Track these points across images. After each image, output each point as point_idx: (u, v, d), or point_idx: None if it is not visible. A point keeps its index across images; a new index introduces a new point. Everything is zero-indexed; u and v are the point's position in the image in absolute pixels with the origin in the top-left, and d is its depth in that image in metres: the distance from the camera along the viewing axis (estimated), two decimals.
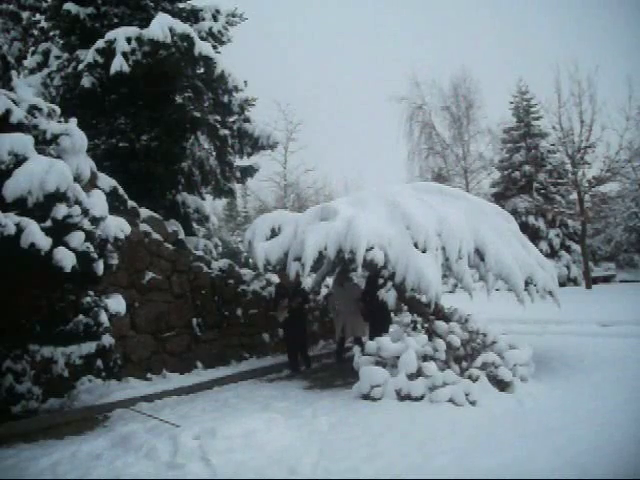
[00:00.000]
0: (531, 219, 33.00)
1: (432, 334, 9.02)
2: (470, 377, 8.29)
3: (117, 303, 8.79)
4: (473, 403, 7.72)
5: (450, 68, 52.71)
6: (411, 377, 8.09)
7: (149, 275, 10.74)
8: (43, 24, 17.26)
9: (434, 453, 5.89)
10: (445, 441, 6.27)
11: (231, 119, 15.07)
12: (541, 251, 13.83)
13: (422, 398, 7.86)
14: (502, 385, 8.39)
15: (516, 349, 9.15)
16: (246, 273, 13.06)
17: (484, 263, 9.75)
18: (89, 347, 8.41)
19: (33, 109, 8.13)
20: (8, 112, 7.56)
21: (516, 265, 9.69)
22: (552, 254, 32.00)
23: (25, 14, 17.97)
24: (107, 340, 8.76)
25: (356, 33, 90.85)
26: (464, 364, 8.71)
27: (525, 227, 30.17)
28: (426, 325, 9.41)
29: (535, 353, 9.47)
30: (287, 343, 12.00)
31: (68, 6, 13.38)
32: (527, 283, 9.89)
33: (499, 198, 34.18)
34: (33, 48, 16.70)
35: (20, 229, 6.93)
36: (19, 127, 7.65)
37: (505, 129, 37.09)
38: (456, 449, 5.98)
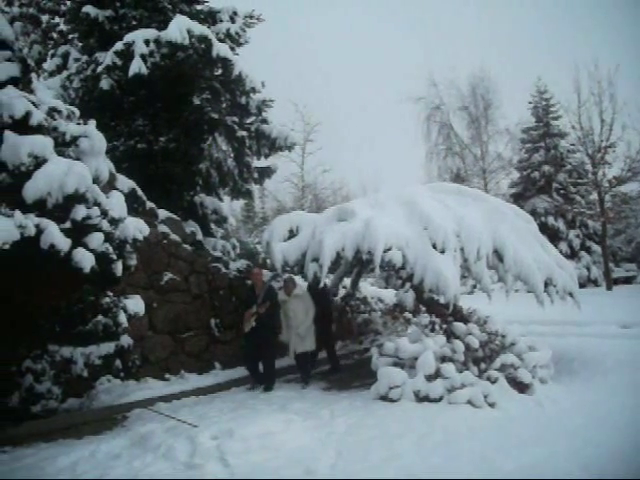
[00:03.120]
0: (550, 220, 32.71)
1: (450, 335, 8.97)
2: (489, 379, 8.24)
3: (136, 304, 8.85)
4: (492, 405, 7.67)
5: (468, 68, 52.35)
6: (429, 378, 8.05)
7: (167, 276, 10.78)
8: (62, 27, 17.47)
9: (452, 455, 5.85)
10: (464, 443, 6.23)
11: (249, 120, 15.09)
12: (561, 252, 13.68)
13: (440, 399, 7.82)
14: (521, 387, 8.33)
15: (535, 351, 9.08)
16: (264, 274, 13.06)
17: (503, 264, 9.68)
18: (108, 347, 8.47)
19: (53, 111, 8.19)
20: (28, 114, 7.62)
21: (535, 266, 9.61)
22: (572, 255, 31.71)
23: (44, 17, 18.17)
24: (126, 340, 8.82)
25: (373, 34, 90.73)
26: (483, 365, 8.65)
27: (544, 228, 29.88)
28: (444, 326, 9.35)
29: (554, 355, 9.40)
30: (245, 352, 10.37)
31: (87, 9, 13.48)
32: (547, 284, 9.81)
33: (518, 198, 33.94)
34: (52, 51, 16.88)
35: (40, 230, 6.99)
36: (39, 129, 7.71)
37: (524, 129, 36.80)
38: (475, 451, 5.94)
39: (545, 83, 35.96)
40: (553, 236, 30.61)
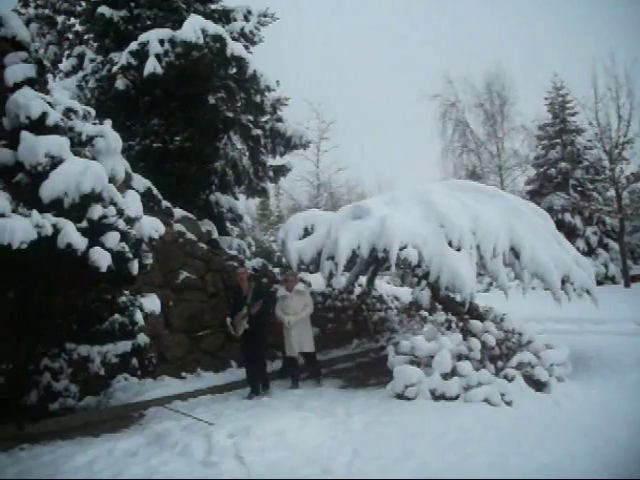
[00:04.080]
0: (567, 217, 32.43)
1: (467, 333, 8.92)
2: (506, 377, 8.18)
3: (152, 302, 8.90)
4: (509, 403, 7.62)
5: (483, 65, 52.03)
6: (445, 377, 8.01)
7: (183, 274, 10.83)
8: (78, 28, 17.63)
9: (469, 454, 5.81)
10: (480, 442, 6.19)
11: (264, 119, 15.11)
12: (578, 249, 13.56)
13: (457, 398, 7.78)
14: (538, 385, 8.27)
15: (553, 349, 9.00)
16: (279, 272, 13.09)
17: (519, 261, 9.62)
18: (125, 346, 8.52)
19: (69, 111, 8.25)
20: (44, 115, 7.69)
21: (552, 263, 9.54)
22: (589, 252, 31.43)
23: (60, 18, 18.35)
24: (142, 339, 8.86)
25: (388, 31, 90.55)
26: (499, 364, 8.60)
27: (561, 225, 29.67)
28: (460, 324, 9.31)
29: (572, 353, 9.32)
30: (244, 356, 9.91)
31: (102, 9, 13.58)
32: (564, 281, 9.73)
33: (534, 195, 33.68)
34: (68, 52, 17.05)
35: (57, 230, 7.04)
36: (55, 129, 7.77)
37: (540, 125, 36.52)
38: (491, 450, 5.90)
39: (561, 79, 35.69)
40: (570, 233, 30.35)
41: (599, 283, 18.52)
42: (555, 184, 34.07)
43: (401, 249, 9.00)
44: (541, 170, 35.46)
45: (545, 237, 10.07)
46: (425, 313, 14.35)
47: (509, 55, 64.47)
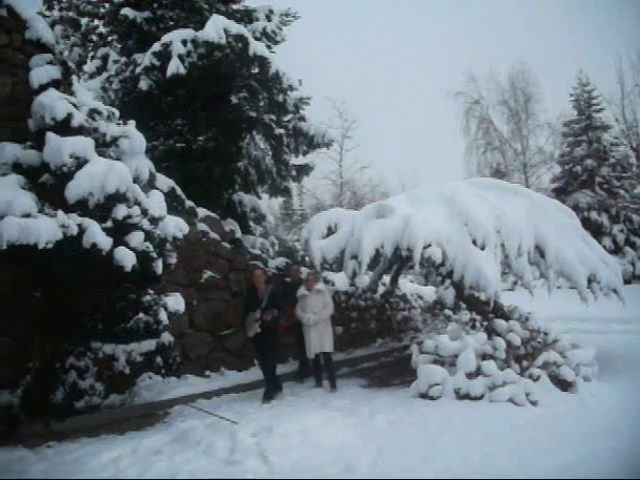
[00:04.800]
0: (593, 215, 31.97)
1: (491, 332, 8.85)
2: (531, 376, 8.11)
3: (176, 301, 8.94)
4: (534, 403, 7.54)
5: (507, 62, 51.59)
6: (470, 376, 7.95)
7: (207, 274, 10.87)
8: (101, 29, 17.82)
9: (494, 454, 5.76)
10: (505, 442, 6.13)
11: (286, 118, 15.13)
12: (604, 247, 13.41)
13: (481, 397, 7.72)
14: (564, 385, 8.18)
15: (579, 348, 8.91)
16: (303, 271, 13.08)
17: (545, 260, 9.52)
18: (149, 344, 8.58)
19: (93, 112, 8.34)
20: (69, 116, 7.77)
21: (578, 262, 9.43)
22: (616, 250, 30.96)
23: (84, 20, 18.56)
24: (166, 338, 8.91)
25: (411, 28, 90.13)
26: (525, 363, 8.52)
27: (587, 223, 29.23)
28: (485, 323, 9.24)
29: (598, 352, 9.20)
30: (257, 361, 9.80)
31: (125, 11, 13.69)
32: (590, 280, 9.62)
33: (560, 193, 33.27)
34: (92, 53, 17.22)
35: (82, 229, 7.12)
36: (80, 130, 7.86)
37: (565, 122, 36.05)
38: (516, 450, 5.84)
39: (587, 75, 35.22)
40: (596, 231, 29.91)
41: (626, 282, 18.27)
42: (581, 182, 33.62)
43: (425, 248, 8.96)
44: (566, 167, 35.00)
45: (571, 235, 9.96)
46: (449, 312, 14.28)
47: (533, 51, 63.85)
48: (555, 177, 36.45)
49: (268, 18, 14.93)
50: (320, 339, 9.63)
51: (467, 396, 7.78)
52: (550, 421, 6.89)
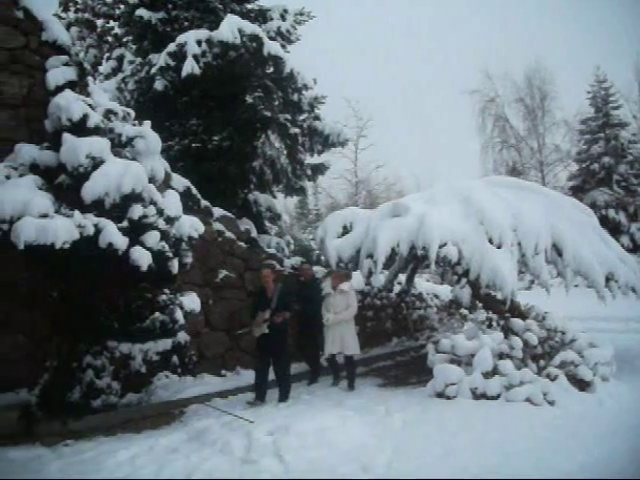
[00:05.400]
0: (611, 213, 31.72)
1: (508, 332, 8.80)
2: (548, 376, 8.06)
3: (192, 301, 8.96)
4: (551, 403, 7.49)
5: (522, 60, 51.24)
6: (486, 375, 7.91)
7: (222, 273, 10.89)
8: (117, 31, 17.96)
9: (511, 453, 5.73)
10: (522, 441, 6.09)
11: (301, 117, 15.12)
12: (622, 246, 13.26)
13: (498, 397, 7.68)
14: (582, 385, 8.12)
15: (597, 347, 8.84)
16: (318, 270, 13.07)
17: (562, 259, 9.46)
18: (165, 344, 8.61)
19: (109, 113, 8.38)
20: (85, 117, 7.82)
21: (596, 260, 9.36)
22: (634, 249, 30.67)
23: (99, 22, 18.75)
24: (182, 337, 8.94)
25: (426, 26, 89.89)
26: (542, 363, 8.47)
27: (605, 221, 29.02)
28: (502, 322, 9.19)
29: (616, 352, 9.13)
30: (257, 360, 9.31)
31: (140, 12, 13.77)
32: (608, 279, 9.54)
33: (577, 191, 33.05)
34: (108, 54, 17.35)
35: (98, 229, 7.16)
36: (96, 131, 7.90)
37: (582, 120, 35.83)
38: (534, 450, 5.81)
39: (604, 72, 34.93)
40: (614, 230, 29.66)
41: None
42: (598, 179, 33.38)
43: (441, 247, 8.93)
44: (584, 165, 34.78)
45: (588, 234, 9.89)
46: (465, 311, 14.24)
47: (550, 49, 63.34)
48: (572, 175, 36.25)
49: (282, 17, 14.94)
50: (341, 340, 9.50)
51: (484, 396, 7.74)
52: (568, 421, 6.84)
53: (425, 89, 77.14)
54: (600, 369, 8.50)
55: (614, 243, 10.49)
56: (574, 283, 9.78)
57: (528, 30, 69.09)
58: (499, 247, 9.04)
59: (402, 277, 13.70)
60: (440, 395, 8.02)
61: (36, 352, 8.19)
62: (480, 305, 10.59)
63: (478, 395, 7.78)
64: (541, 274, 9.29)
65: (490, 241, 9.10)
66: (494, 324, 9.32)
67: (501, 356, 8.22)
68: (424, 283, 17.41)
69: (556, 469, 5.28)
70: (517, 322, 8.90)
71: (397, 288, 14.29)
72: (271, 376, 9.04)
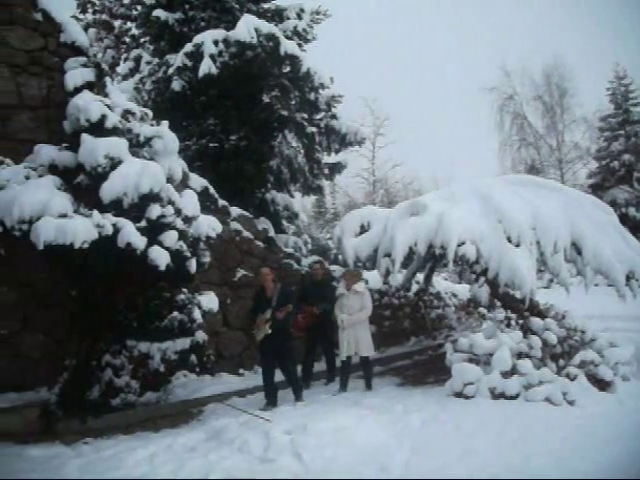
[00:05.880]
0: (631, 211, 31.33)
1: (527, 331, 8.73)
2: (568, 376, 7.98)
3: (210, 300, 8.98)
4: (571, 403, 7.41)
5: (541, 57, 50.79)
6: (505, 375, 7.85)
7: (240, 272, 10.93)
8: (134, 31, 18.08)
9: (530, 454, 5.67)
10: (542, 441, 6.03)
11: (318, 116, 15.11)
12: None
13: (517, 397, 7.61)
14: (602, 384, 8.03)
15: (617, 347, 8.75)
16: (336, 270, 13.06)
17: (581, 257, 9.36)
18: (183, 343, 8.63)
19: (127, 113, 8.43)
20: (103, 117, 7.87)
21: (616, 259, 9.25)
22: None
23: (117, 23, 18.90)
24: (200, 336, 8.97)
25: (444, 24, 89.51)
26: (561, 362, 8.39)
27: (625, 219, 28.64)
28: (520, 322, 9.12)
29: (637, 351, 9.03)
30: (261, 364, 9.12)
31: (157, 13, 13.85)
32: (628, 278, 9.41)
33: (597, 189, 32.71)
34: (125, 55, 17.47)
35: (117, 229, 7.20)
36: (114, 131, 7.95)
37: (602, 117, 35.46)
38: (554, 450, 5.74)
39: (624, 68, 34.55)
40: (635, 228, 29.23)
41: None
42: (618, 177, 33.02)
43: (459, 245, 8.87)
44: (603, 163, 34.42)
45: (608, 232, 9.77)
46: (484, 310, 14.13)
47: (568, 46, 62.83)
48: (591, 173, 35.91)
49: (299, 17, 14.94)
50: (355, 341, 9.31)
51: (502, 395, 7.67)
52: (587, 421, 6.76)
53: (442, 87, 76.89)
54: (620, 369, 8.41)
55: (634, 241, 10.35)
56: (594, 282, 9.68)
57: (546, 26, 68.56)
58: (518, 246, 8.97)
59: (420, 276, 13.65)
60: (458, 394, 7.96)
61: (56, 351, 8.28)
62: (499, 304, 10.49)
63: (497, 395, 7.71)
64: (560, 273, 9.21)
65: (509, 240, 9.03)
66: (513, 323, 9.22)
67: (520, 355, 8.16)
68: (442, 282, 17.35)
69: (575, 469, 5.22)
70: (536, 321, 8.83)
71: (415, 287, 14.24)
72: (280, 377, 8.95)
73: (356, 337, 9.31)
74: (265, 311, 8.54)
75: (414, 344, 13.80)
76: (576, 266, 9.74)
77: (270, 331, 8.45)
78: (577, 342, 8.82)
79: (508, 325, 9.20)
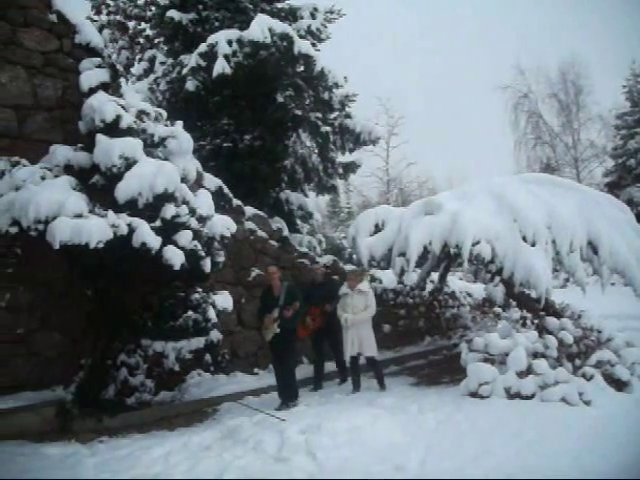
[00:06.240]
0: None
1: (542, 331, 8.68)
2: (584, 376, 7.91)
3: (224, 299, 9.00)
4: (587, 403, 7.35)
5: (556, 55, 50.38)
6: (521, 375, 7.79)
7: (255, 272, 10.94)
8: (148, 32, 18.19)
9: (547, 454, 5.62)
10: (558, 442, 5.98)
11: (332, 116, 15.10)
12: None
13: (532, 397, 7.55)
14: (619, 385, 7.97)
15: (634, 347, 8.68)
16: (350, 269, 13.04)
17: (598, 256, 9.29)
18: (198, 342, 8.65)
19: (141, 114, 8.47)
20: (118, 118, 7.92)
21: (633, 258, 9.17)
22: None
23: (131, 24, 18.97)
24: (215, 335, 8.97)
25: (457, 22, 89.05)
26: (577, 362, 8.32)
27: None
28: (536, 321, 9.07)
29: None
30: (273, 364, 9.14)
31: (171, 13, 13.91)
32: None
33: (613, 188, 32.44)
34: (139, 56, 17.56)
35: (132, 229, 7.24)
36: (129, 132, 8.00)
37: (618, 114, 35.18)
38: (570, 450, 5.69)
39: None
40: None
41: None
42: (635, 175, 32.73)
43: (474, 244, 8.84)
44: (620, 161, 34.13)
45: (625, 231, 9.69)
46: (499, 310, 14.06)
47: (584, 42, 62.28)
48: (608, 171, 35.63)
49: (312, 16, 14.92)
50: (359, 341, 9.15)
51: (518, 395, 7.62)
52: (604, 421, 6.70)
53: (457, 85, 76.62)
54: (637, 369, 8.35)
55: None
56: (610, 281, 9.60)
57: (562, 24, 68.02)
58: (533, 245, 8.92)
59: (435, 275, 13.60)
60: (473, 394, 7.92)
61: (72, 350, 8.33)
62: (514, 303, 10.45)
63: (512, 394, 7.66)
64: (576, 272, 9.15)
65: (524, 239, 8.98)
66: (528, 323, 9.18)
67: (535, 355, 8.10)
68: (457, 281, 17.29)
69: (593, 470, 5.18)
70: (552, 321, 8.77)
71: (430, 286, 14.20)
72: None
73: (359, 337, 9.15)
74: (272, 310, 8.46)
75: (429, 343, 13.76)
76: (592, 265, 9.68)
77: (279, 330, 8.37)
78: (593, 342, 8.76)
79: (523, 325, 9.16)
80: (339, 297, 9.40)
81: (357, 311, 9.14)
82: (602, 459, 5.43)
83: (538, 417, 6.83)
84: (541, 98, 40.71)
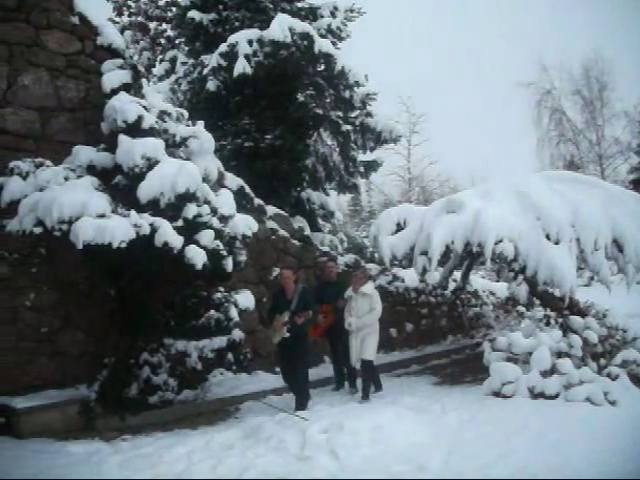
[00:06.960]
0: None
1: (567, 330, 8.59)
2: (609, 375, 7.81)
3: (246, 299, 9.00)
4: (613, 403, 7.26)
5: (579, 51, 49.62)
6: (544, 374, 7.72)
7: (276, 271, 10.94)
8: (169, 33, 18.35)
9: (571, 455, 5.55)
10: (583, 443, 5.89)
11: (353, 114, 15.06)
12: None
13: (556, 396, 7.48)
14: None
15: None
16: (372, 268, 13.02)
17: (623, 254, 9.17)
18: (220, 341, 8.67)
19: (163, 114, 8.53)
20: (140, 118, 7.97)
21: None
22: None
23: (152, 25, 19.14)
24: (237, 334, 8.98)
25: (480, 19, 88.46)
26: (602, 361, 8.22)
27: None
28: (560, 320, 8.98)
29: None
30: (280, 366, 8.97)
31: (192, 14, 13.99)
32: None
33: (638, 185, 32.03)
34: (161, 56, 17.70)
35: (154, 229, 7.28)
36: (150, 132, 8.05)
37: None
38: (595, 452, 5.61)
39: None
40: None
41: None
42: None
43: (496, 243, 8.76)
44: None
45: None
46: (522, 309, 13.96)
47: (608, 38, 61.59)
48: (633, 168, 35.13)
49: (333, 15, 14.92)
50: (361, 344, 8.90)
51: (541, 395, 7.55)
52: (630, 422, 6.61)
53: (479, 83, 76.13)
54: None
55: None
56: (636, 280, 9.47)
57: (585, 19, 67.25)
58: (557, 243, 8.83)
59: (457, 274, 13.53)
60: (497, 394, 7.86)
61: (95, 349, 8.41)
62: (537, 302, 10.35)
63: (536, 394, 7.59)
64: (601, 270, 9.03)
65: (547, 237, 8.89)
66: (552, 322, 9.10)
67: (560, 354, 8.02)
68: (480, 280, 17.17)
69: (617, 470, 5.11)
70: (576, 320, 8.68)
71: (452, 285, 14.12)
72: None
73: (363, 340, 8.90)
74: (283, 313, 8.18)
75: (451, 343, 13.71)
76: (617, 264, 9.56)
77: (288, 335, 8.10)
78: (618, 341, 8.66)
79: (547, 324, 9.08)
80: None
81: (361, 314, 8.89)
82: (627, 459, 5.35)
83: (562, 417, 6.75)
84: (564, 95, 40.20)
